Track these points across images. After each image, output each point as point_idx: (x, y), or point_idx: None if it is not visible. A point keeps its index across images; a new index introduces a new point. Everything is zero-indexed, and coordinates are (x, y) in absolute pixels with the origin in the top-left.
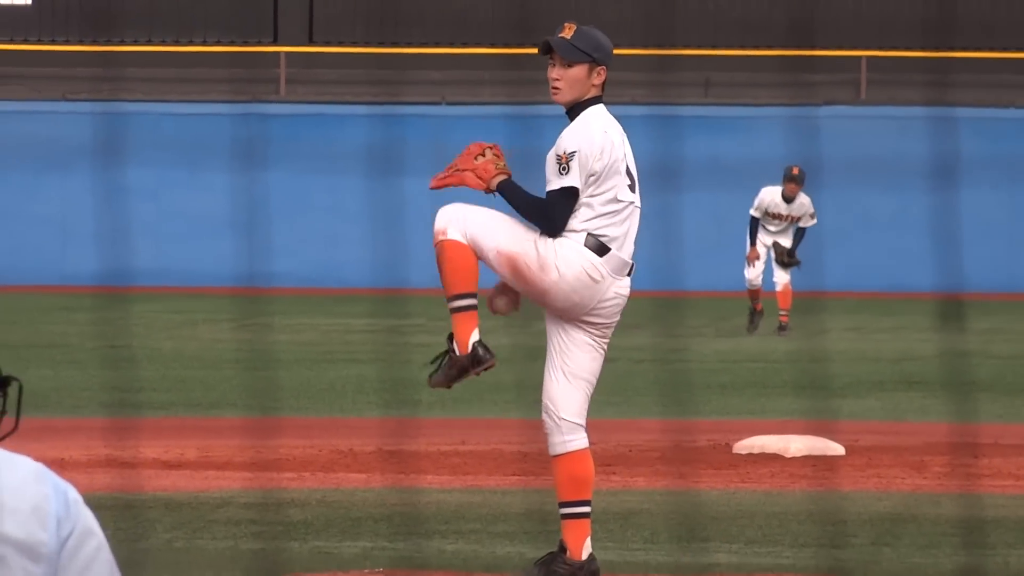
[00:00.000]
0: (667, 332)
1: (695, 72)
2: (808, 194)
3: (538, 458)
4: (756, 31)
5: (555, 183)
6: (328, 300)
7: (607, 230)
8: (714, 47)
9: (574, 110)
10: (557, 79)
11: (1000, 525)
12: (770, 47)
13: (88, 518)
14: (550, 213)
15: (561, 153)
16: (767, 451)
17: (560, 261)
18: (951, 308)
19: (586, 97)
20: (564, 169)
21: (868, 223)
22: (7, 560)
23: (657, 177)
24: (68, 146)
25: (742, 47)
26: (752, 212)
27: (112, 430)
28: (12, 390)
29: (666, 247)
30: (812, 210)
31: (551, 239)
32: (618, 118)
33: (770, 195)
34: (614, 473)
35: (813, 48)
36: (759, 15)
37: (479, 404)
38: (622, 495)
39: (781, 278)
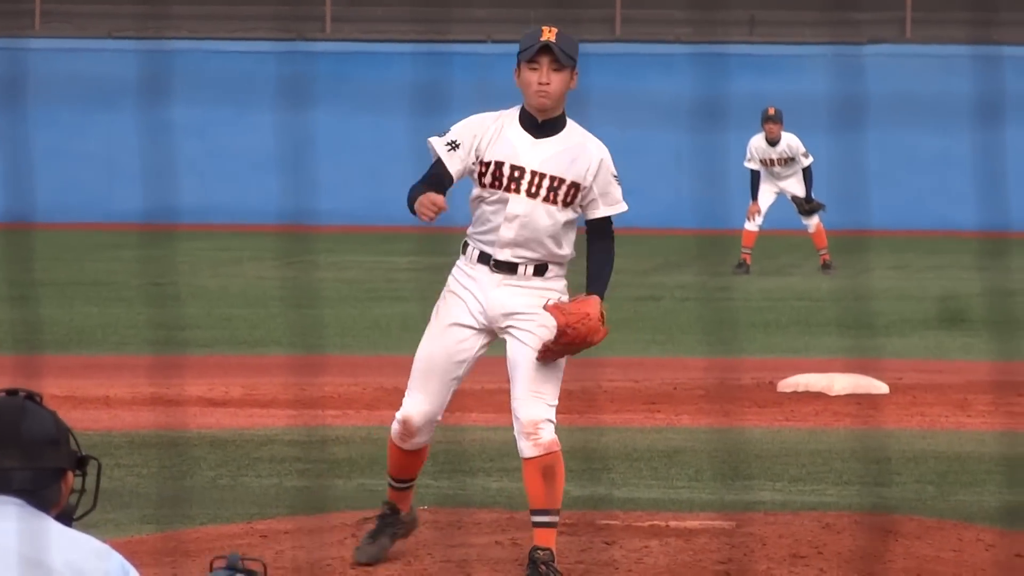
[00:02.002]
0: (711, 271)
1: (740, 10)
2: (851, 131)
3: (582, 396)
4: None
5: (623, 204)
6: (373, 238)
7: None
8: None
9: (557, 121)
10: (547, 83)
11: None
12: None
13: None
14: (614, 242)
15: (617, 174)
16: (811, 389)
17: None
18: (996, 246)
19: (563, 106)
20: (620, 193)
21: (913, 162)
22: None
23: (702, 115)
24: (114, 84)
25: None
26: (746, 164)
27: (157, 367)
28: (91, 469)
29: (710, 186)
30: (803, 148)
31: (566, 298)
32: (663, 56)
33: (756, 142)
34: (658, 411)
35: None
36: None
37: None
38: (667, 433)
39: (811, 221)
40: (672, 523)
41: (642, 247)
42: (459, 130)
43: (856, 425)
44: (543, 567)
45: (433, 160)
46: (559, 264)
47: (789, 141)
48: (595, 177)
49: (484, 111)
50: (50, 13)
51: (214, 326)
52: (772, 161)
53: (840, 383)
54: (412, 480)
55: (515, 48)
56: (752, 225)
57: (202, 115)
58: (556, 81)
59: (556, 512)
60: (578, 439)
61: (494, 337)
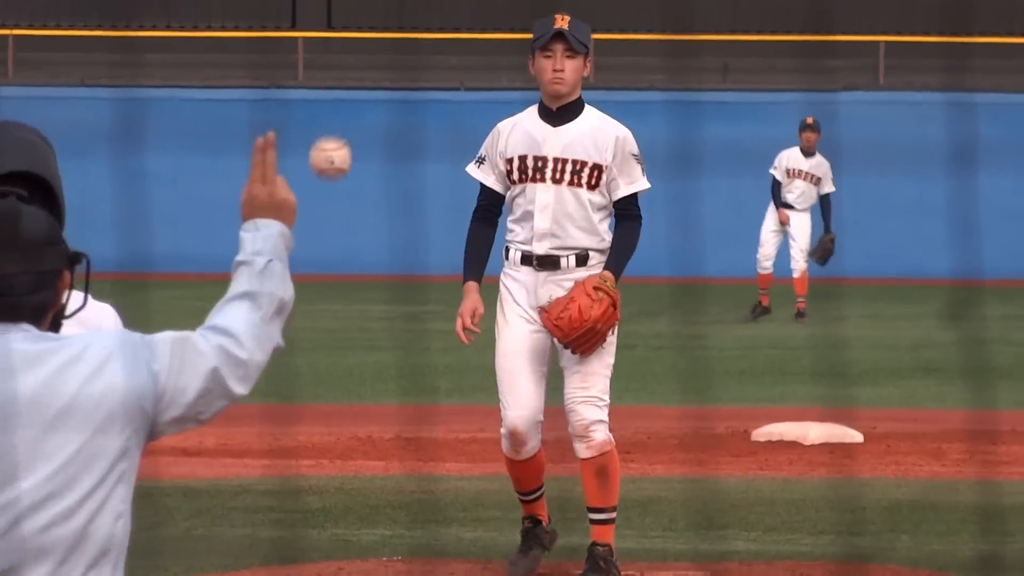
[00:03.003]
0: (686, 319)
1: (714, 58)
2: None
3: (556, 445)
4: (774, 16)
5: (645, 180)
6: (346, 286)
7: None
8: (733, 32)
9: (573, 107)
10: (561, 69)
11: (1018, 512)
12: (788, 32)
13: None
14: (640, 223)
15: (638, 153)
16: (786, 438)
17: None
18: (969, 295)
19: (577, 93)
20: (644, 171)
21: (886, 209)
22: None
23: (676, 162)
24: (87, 132)
25: (760, 32)
26: (772, 172)
27: None
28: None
29: (685, 233)
30: (831, 174)
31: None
32: (637, 104)
33: (788, 152)
34: (633, 460)
35: (831, 33)
36: (777, 1)
37: (497, 392)
38: (641, 482)
39: (799, 265)
40: (647, 573)
41: None
42: (484, 146)
43: (831, 474)
44: (602, 562)
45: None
46: (601, 252)
47: (821, 159)
48: (614, 156)
49: (458, 158)
50: (24, 61)
51: None
52: (798, 173)
53: (815, 432)
54: (540, 489)
55: (487, 96)
56: (767, 250)
57: (175, 163)
58: (570, 68)
59: (613, 509)
60: (553, 488)
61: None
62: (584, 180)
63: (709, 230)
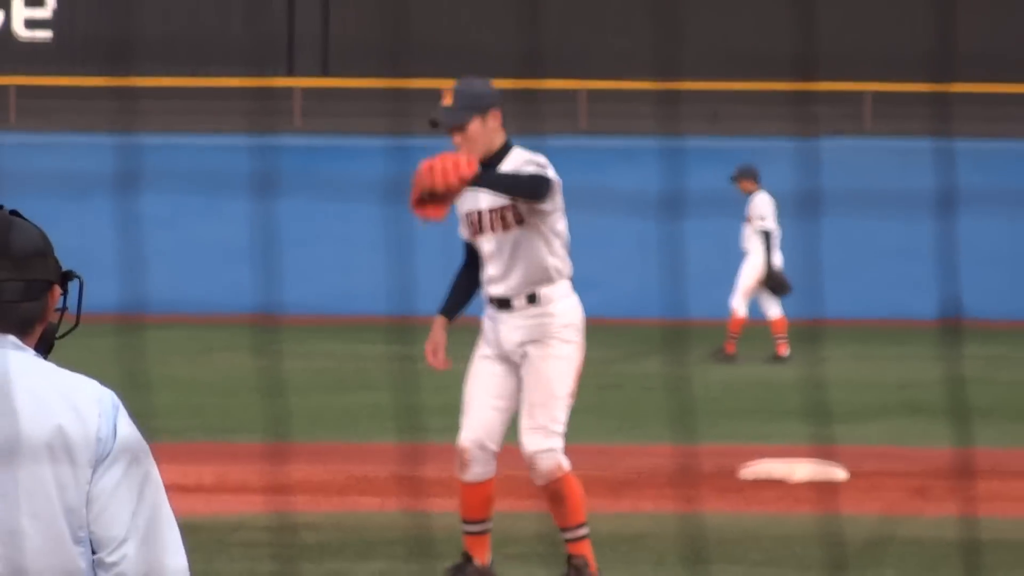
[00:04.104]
0: (674, 359)
1: (703, 104)
2: (811, 221)
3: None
4: (762, 65)
5: (546, 173)
6: (342, 328)
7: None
8: (721, 80)
9: (493, 161)
10: (459, 144)
11: (1000, 547)
12: (776, 80)
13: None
14: (542, 184)
15: (541, 161)
16: (772, 476)
17: (579, 333)
18: (952, 334)
19: (497, 144)
20: (543, 168)
21: (872, 252)
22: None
23: (665, 206)
24: (87, 177)
25: (749, 80)
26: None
27: None
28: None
29: (674, 276)
30: (762, 212)
31: (570, 319)
32: (628, 150)
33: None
34: (623, 497)
35: (818, 81)
36: (765, 49)
37: None
38: (630, 519)
39: (773, 310)
40: None
41: (607, 336)
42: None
43: (816, 511)
44: (578, 570)
45: None
46: (552, 282)
47: (757, 199)
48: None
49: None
50: (25, 109)
51: (186, 415)
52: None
53: (801, 470)
54: (483, 522)
55: None
56: (740, 298)
57: (173, 207)
58: (466, 138)
59: (580, 526)
60: (544, 524)
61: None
62: (511, 220)
63: (697, 273)
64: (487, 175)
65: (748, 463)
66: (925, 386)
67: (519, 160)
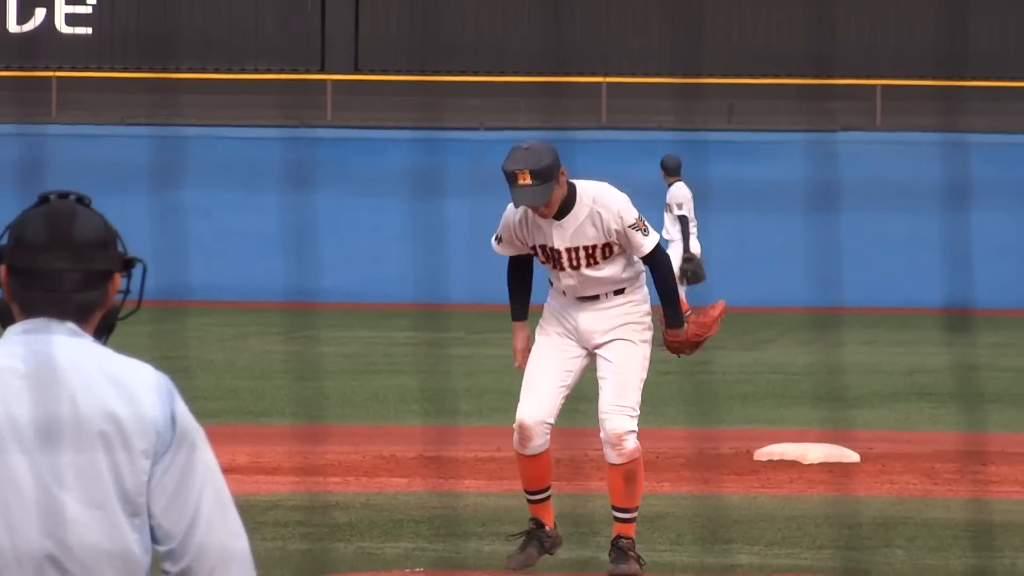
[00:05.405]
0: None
1: (720, 99)
2: (823, 215)
3: (570, 463)
4: (777, 61)
5: (652, 238)
6: (372, 314)
7: None
8: (738, 76)
9: (567, 202)
10: (546, 208)
11: (1007, 529)
12: (790, 76)
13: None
14: (668, 267)
15: (635, 219)
16: (786, 458)
17: (652, 326)
18: (960, 322)
19: (567, 194)
20: (646, 231)
21: (883, 243)
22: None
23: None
24: (127, 168)
25: (764, 76)
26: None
27: None
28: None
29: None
30: (679, 199)
31: (648, 310)
32: (646, 143)
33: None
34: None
35: (831, 77)
36: (780, 46)
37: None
38: (649, 499)
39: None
40: None
41: None
42: (500, 228)
43: (829, 492)
44: (626, 551)
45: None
46: (634, 277)
47: (674, 188)
48: (616, 234)
49: (478, 194)
50: (66, 101)
51: (222, 397)
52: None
53: (814, 452)
54: (546, 491)
55: (506, 135)
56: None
57: (210, 198)
58: (551, 203)
59: (635, 509)
60: (567, 504)
61: (592, 357)
62: (598, 257)
63: (714, 262)
64: (673, 319)
65: (763, 446)
66: (934, 372)
67: (589, 202)
